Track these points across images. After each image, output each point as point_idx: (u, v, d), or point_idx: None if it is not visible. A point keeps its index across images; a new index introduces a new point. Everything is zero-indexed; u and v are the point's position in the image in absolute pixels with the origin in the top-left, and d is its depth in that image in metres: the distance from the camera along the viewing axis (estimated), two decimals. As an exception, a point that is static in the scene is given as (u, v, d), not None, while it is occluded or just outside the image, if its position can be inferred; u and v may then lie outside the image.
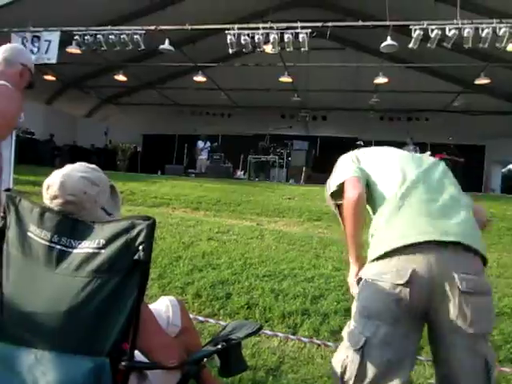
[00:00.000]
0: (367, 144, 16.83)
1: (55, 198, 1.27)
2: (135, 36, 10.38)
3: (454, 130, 15.89)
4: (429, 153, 2.05)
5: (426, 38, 9.48)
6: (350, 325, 1.56)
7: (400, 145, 13.26)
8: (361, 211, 1.66)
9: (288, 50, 10.38)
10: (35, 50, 10.57)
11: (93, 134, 18.63)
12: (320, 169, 15.09)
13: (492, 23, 8.95)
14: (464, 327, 1.39)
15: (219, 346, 1.30)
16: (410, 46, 9.64)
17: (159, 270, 3.89)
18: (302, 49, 10.24)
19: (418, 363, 2.64)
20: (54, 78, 15.71)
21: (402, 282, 1.41)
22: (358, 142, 14.74)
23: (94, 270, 1.13)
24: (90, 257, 1.14)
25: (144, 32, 10.44)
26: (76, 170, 1.33)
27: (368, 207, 1.76)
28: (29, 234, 1.23)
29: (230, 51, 10.41)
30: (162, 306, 1.60)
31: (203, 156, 15.10)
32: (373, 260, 1.54)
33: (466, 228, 1.51)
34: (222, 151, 15.71)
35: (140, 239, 1.12)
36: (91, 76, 17.03)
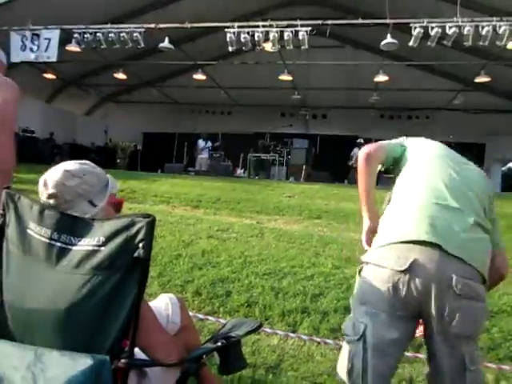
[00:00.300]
0: (367, 142, 16.84)
1: (42, 193, 1.31)
2: (135, 34, 10.37)
3: (454, 128, 15.88)
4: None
5: (426, 35, 9.47)
6: (350, 316, 1.60)
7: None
8: (370, 166, 1.74)
9: (288, 48, 10.37)
10: (35, 48, 10.56)
11: (93, 132, 18.64)
12: (320, 167, 15.13)
13: (492, 21, 8.94)
14: (448, 326, 1.42)
15: (219, 344, 1.30)
16: (410, 43, 9.63)
17: (159, 267, 3.89)
18: (302, 47, 10.24)
19: (417, 360, 2.65)
20: (53, 77, 15.72)
21: (401, 269, 1.42)
22: (359, 140, 14.75)
23: (94, 267, 1.13)
24: (90, 254, 1.14)
25: (144, 30, 10.43)
26: (63, 165, 1.36)
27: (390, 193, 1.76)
28: (28, 231, 1.23)
29: (230, 49, 10.40)
30: (162, 304, 1.60)
31: (203, 155, 15.09)
32: (376, 247, 1.56)
33: (475, 254, 1.49)
34: (222, 149, 15.72)
35: (140, 237, 1.12)
36: (91, 74, 17.01)
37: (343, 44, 14.87)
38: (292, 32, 10.04)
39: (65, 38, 10.85)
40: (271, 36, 10.07)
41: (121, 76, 15.37)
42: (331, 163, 15.12)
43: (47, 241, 1.19)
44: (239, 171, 15.69)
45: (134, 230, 1.12)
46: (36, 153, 13.27)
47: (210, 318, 3.08)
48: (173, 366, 1.24)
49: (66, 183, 1.31)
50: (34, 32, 10.57)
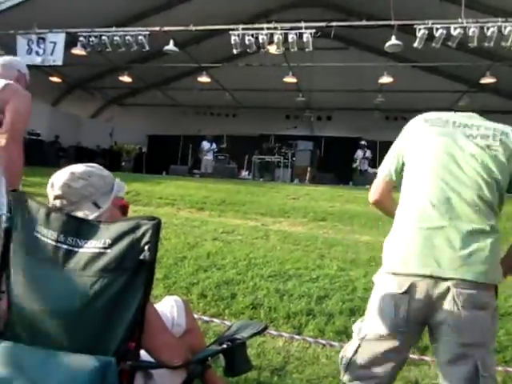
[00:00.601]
0: (372, 144, 16.74)
1: (49, 194, 1.34)
2: (140, 37, 10.42)
3: (459, 129, 15.76)
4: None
5: (430, 37, 9.45)
6: (362, 318, 1.69)
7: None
8: (383, 210, 1.85)
9: (292, 50, 10.38)
10: (41, 51, 10.63)
11: (98, 134, 18.69)
12: (325, 169, 15.12)
13: (497, 22, 8.90)
14: (455, 336, 1.46)
15: (224, 346, 1.30)
16: (415, 45, 9.61)
17: (164, 270, 3.90)
18: (307, 49, 10.24)
19: (423, 363, 2.64)
20: (59, 80, 15.80)
21: (401, 291, 1.51)
22: (362, 142, 14.73)
23: (101, 270, 1.14)
24: (97, 256, 1.15)
25: (148, 33, 10.48)
26: (71, 167, 1.39)
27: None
28: (35, 233, 1.24)
29: (235, 51, 10.42)
30: (167, 306, 1.60)
31: (208, 157, 15.10)
32: (383, 272, 1.64)
33: (476, 267, 1.47)
34: (227, 151, 15.73)
35: (146, 239, 1.13)
36: (96, 77, 17.10)
37: (347, 46, 14.87)
38: (296, 34, 10.05)
39: (70, 42, 10.91)
40: (275, 38, 10.09)
41: (126, 79, 15.42)
42: (336, 165, 15.11)
43: (54, 243, 1.20)
44: (244, 173, 15.70)
45: (139, 232, 1.13)
46: (41, 156, 13.32)
47: (215, 320, 3.09)
48: (178, 368, 1.24)
49: (71, 185, 1.33)
50: (40, 36, 10.65)
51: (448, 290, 1.45)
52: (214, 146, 15.26)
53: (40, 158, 12.54)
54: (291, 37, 10.03)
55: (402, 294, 1.49)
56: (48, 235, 1.22)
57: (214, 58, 14.68)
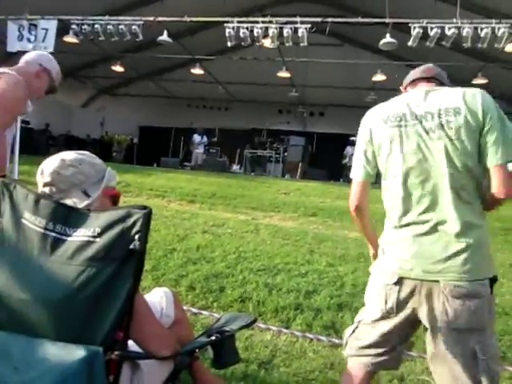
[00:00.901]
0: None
1: (38, 181, 1.33)
2: (133, 27, 10.28)
3: (450, 129, 15.87)
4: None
5: (425, 36, 9.47)
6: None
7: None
8: (361, 219, 1.80)
9: (287, 44, 10.33)
10: (32, 38, 10.45)
11: (89, 124, 18.53)
12: (316, 165, 15.15)
13: (491, 23, 8.94)
14: (447, 323, 1.50)
15: (213, 338, 1.29)
16: (410, 43, 9.62)
17: (153, 261, 3.89)
18: (301, 44, 10.20)
19: (409, 359, 2.66)
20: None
21: (391, 282, 1.58)
22: (352, 139, 14.71)
23: (89, 259, 1.12)
24: (85, 245, 1.13)
25: (142, 23, 10.34)
26: (61, 154, 1.37)
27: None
28: (23, 220, 1.22)
29: (229, 44, 10.35)
30: (156, 297, 1.59)
31: (199, 150, 15.04)
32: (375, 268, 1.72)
33: (461, 261, 1.48)
34: (218, 145, 15.68)
35: (136, 228, 1.11)
36: (88, 66, 16.90)
37: (342, 42, 14.87)
38: (291, 29, 10.00)
39: (62, 29, 10.74)
40: (270, 32, 10.03)
41: (118, 68, 15.28)
42: (327, 161, 15.15)
43: (42, 231, 1.18)
44: (235, 167, 15.68)
45: (130, 221, 1.12)
46: (31, 144, 13.14)
47: (203, 312, 3.08)
48: (166, 359, 1.24)
49: (61, 172, 1.31)
50: (32, 22, 10.45)
51: (435, 287, 1.49)
52: (205, 139, 15.19)
53: (29, 147, 12.35)
54: (286, 31, 9.98)
55: (393, 284, 1.57)
56: (36, 222, 1.19)
57: (208, 51, 14.57)
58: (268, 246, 4.82)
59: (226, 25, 10.13)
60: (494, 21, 8.93)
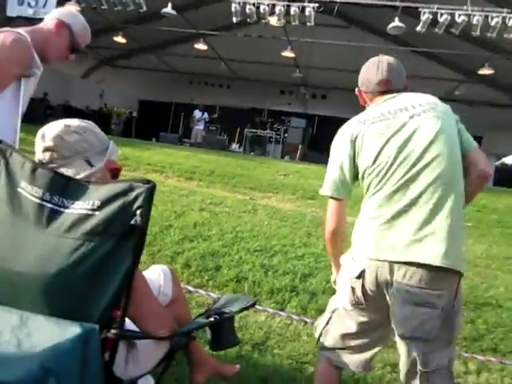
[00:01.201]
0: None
1: (38, 145, 1.25)
2: (137, -4, 10.08)
3: (453, 118, 15.77)
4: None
5: (434, 22, 9.31)
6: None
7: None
8: (335, 243, 1.73)
9: (293, 23, 10.15)
10: (33, 3, 10.21)
11: (88, 95, 18.27)
12: (316, 147, 15.06)
13: (502, 12, 8.79)
14: (395, 326, 1.51)
15: (211, 319, 1.26)
16: (418, 28, 9.47)
17: (149, 237, 3.84)
18: (308, 23, 10.03)
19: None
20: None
21: (354, 276, 1.56)
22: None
23: (87, 233, 1.07)
24: (84, 218, 1.08)
25: (146, -8, 10.13)
26: (65, 120, 1.30)
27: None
28: (19, 189, 1.16)
29: (234, 20, 10.16)
30: (154, 275, 1.54)
31: (199, 126, 14.89)
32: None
33: (437, 247, 1.44)
34: (218, 123, 15.54)
35: (138, 203, 1.05)
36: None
37: (349, 24, 14.60)
38: (299, 7, 9.83)
39: (64, -4, 10.51)
40: (277, 10, 9.85)
41: (120, 40, 14.99)
42: (328, 145, 14.86)
43: (38, 201, 1.12)
44: (234, 146, 15.57)
45: (132, 195, 1.06)
46: (28, 112, 12.87)
47: (200, 291, 3.06)
48: (164, 339, 1.20)
49: (64, 138, 1.24)
50: (33, -14, 10.21)
51: (397, 272, 1.46)
52: (206, 115, 15.02)
53: (27, 115, 12.07)
54: (293, 9, 9.81)
55: (356, 278, 1.55)
56: (32, 192, 1.14)
57: (213, 26, 14.28)
58: (265, 226, 4.79)
59: (232, 0, 9.92)
60: (505, 10, 8.77)
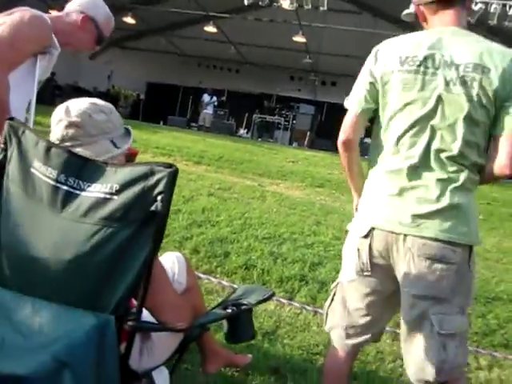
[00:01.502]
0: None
1: (60, 121, 1.18)
2: (148, -24, 9.91)
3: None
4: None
5: (449, 9, 9.10)
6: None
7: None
8: (348, 157, 1.62)
9: (306, 7, 9.98)
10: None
11: (96, 76, 18.16)
12: (324, 135, 14.92)
13: (522, 1, 8.59)
14: (408, 286, 1.41)
15: (229, 311, 1.20)
16: (433, 16, 9.26)
17: (157, 221, 3.80)
18: (321, 8, 9.86)
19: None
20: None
21: (362, 235, 1.47)
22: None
23: (105, 218, 1.00)
24: (101, 202, 1.01)
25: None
26: (86, 98, 1.24)
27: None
28: (32, 170, 1.09)
29: (246, 2, 10.00)
30: (168, 262, 1.48)
31: (208, 110, 14.78)
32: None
33: (440, 218, 1.38)
34: (227, 107, 15.42)
35: (159, 188, 0.98)
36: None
37: (361, 10, 14.33)
38: (312, -10, 9.64)
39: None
40: (290, -7, 9.68)
41: (129, 20, 14.82)
42: (336, 132, 14.76)
43: (53, 183, 1.06)
44: (242, 131, 15.47)
45: (152, 180, 0.99)
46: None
47: (210, 278, 3.01)
48: (182, 331, 1.15)
49: (93, 115, 1.18)
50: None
51: (405, 241, 1.38)
52: (215, 98, 14.90)
53: (34, 95, 12.12)
54: (306, -7, 9.63)
55: (363, 237, 1.47)
56: (46, 173, 1.07)
57: (223, 8, 14.06)
58: (274, 214, 4.74)
59: (244, -19, 9.76)
60: (525, -2, 8.57)
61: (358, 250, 1.48)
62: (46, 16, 1.84)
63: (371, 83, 1.52)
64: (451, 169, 1.40)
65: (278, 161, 8.27)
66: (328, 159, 9.26)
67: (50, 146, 1.09)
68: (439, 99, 1.39)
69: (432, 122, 1.40)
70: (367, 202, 1.52)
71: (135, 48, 19.13)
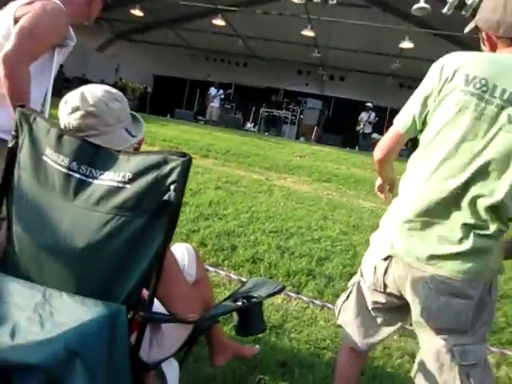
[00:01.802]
0: (382, 110, 16.30)
1: (75, 110, 1.15)
2: (157, -32, 9.87)
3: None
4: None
5: (461, 5, 8.99)
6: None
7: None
8: (383, 167, 1.55)
9: (315, 1, 9.90)
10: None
11: (103, 69, 18.17)
12: (332, 130, 14.87)
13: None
14: (426, 318, 1.37)
15: (239, 303, 1.19)
16: (444, 10, 9.16)
17: (165, 214, 3.80)
18: (330, 1, 9.77)
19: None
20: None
21: (381, 257, 1.46)
22: (367, 104, 14.28)
23: (118, 207, 0.99)
24: (114, 191, 1.00)
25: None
26: (98, 85, 1.23)
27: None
28: (44, 157, 1.08)
29: (255, -5, 9.93)
30: (178, 254, 1.47)
31: (215, 104, 14.75)
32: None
33: (459, 260, 1.31)
34: (234, 101, 15.38)
35: (172, 178, 0.96)
36: (106, 7, 16.17)
37: (371, 4, 14.21)
38: (322, -16, 9.56)
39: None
40: (299, -14, 9.60)
41: (137, 13, 14.80)
42: (343, 127, 14.85)
43: (65, 170, 1.04)
44: (249, 125, 15.44)
45: (166, 169, 0.97)
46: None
47: (218, 270, 3.01)
48: (192, 323, 1.14)
49: (109, 104, 1.16)
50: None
51: (424, 275, 1.34)
52: (221, 92, 14.86)
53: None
54: (316, -14, 9.55)
55: (382, 259, 1.45)
56: (58, 161, 1.05)
57: (232, 1, 13.99)
58: (281, 208, 4.72)
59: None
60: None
61: (375, 267, 1.48)
62: (59, 2, 1.82)
63: (426, 98, 1.36)
64: (484, 217, 1.28)
65: (285, 155, 8.25)
66: (335, 154, 9.22)
67: (61, 134, 1.07)
68: (495, 136, 1.25)
69: (479, 159, 1.26)
70: (390, 226, 1.45)
71: (143, 41, 19.11)
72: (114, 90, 1.23)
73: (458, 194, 1.29)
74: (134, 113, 1.30)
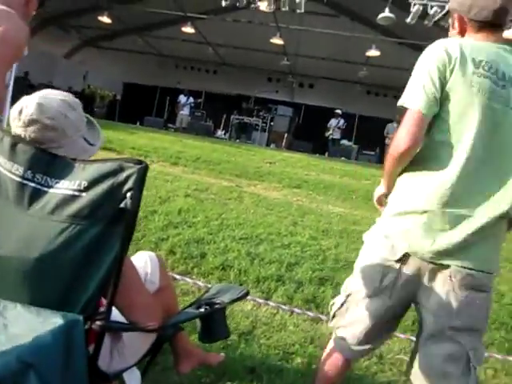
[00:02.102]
0: (351, 117, 16.58)
1: (33, 122, 1.09)
2: (124, -25, 9.80)
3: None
4: None
5: (424, 15, 9.30)
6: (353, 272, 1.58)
7: (384, 122, 13.26)
8: (404, 164, 1.40)
9: (283, 9, 10.03)
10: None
11: (71, 76, 17.86)
12: (302, 137, 15.02)
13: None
14: (444, 317, 1.34)
15: (202, 310, 1.19)
16: (408, 20, 9.47)
17: (133, 222, 3.74)
18: (298, 10, 9.92)
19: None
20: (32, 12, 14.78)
21: (393, 258, 1.39)
22: (336, 111, 14.51)
23: (73, 215, 0.98)
24: (69, 199, 0.99)
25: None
26: (52, 93, 1.18)
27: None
28: None
29: (224, 4, 9.98)
30: (140, 262, 1.46)
31: (185, 111, 14.68)
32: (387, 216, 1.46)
33: (478, 250, 1.32)
34: (204, 109, 15.36)
35: (128, 185, 0.96)
36: (74, 14, 16.08)
37: (339, 14, 14.48)
38: (289, -7, 9.69)
39: (48, -29, 10.15)
40: (267, -5, 9.71)
41: (105, 20, 14.60)
42: (313, 134, 15.00)
43: (19, 179, 1.03)
44: (220, 132, 15.42)
45: (122, 176, 0.97)
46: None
47: (185, 278, 2.98)
48: (153, 332, 1.13)
49: (67, 115, 1.13)
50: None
51: (444, 271, 1.32)
52: (191, 99, 14.81)
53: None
54: (284, -5, 9.68)
55: (394, 261, 1.37)
56: (12, 169, 1.04)
57: (201, 9, 14.00)
58: (251, 214, 4.73)
59: (222, -18, 9.75)
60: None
61: (383, 272, 1.40)
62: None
63: (438, 77, 1.30)
64: (508, 202, 1.30)
65: (256, 162, 8.27)
66: (305, 160, 9.30)
67: (15, 142, 1.05)
68: (506, 114, 1.30)
69: (499, 142, 1.30)
70: (403, 221, 1.38)
71: (111, 48, 18.89)
72: (68, 98, 1.20)
73: (484, 181, 1.29)
74: (89, 117, 1.27)
